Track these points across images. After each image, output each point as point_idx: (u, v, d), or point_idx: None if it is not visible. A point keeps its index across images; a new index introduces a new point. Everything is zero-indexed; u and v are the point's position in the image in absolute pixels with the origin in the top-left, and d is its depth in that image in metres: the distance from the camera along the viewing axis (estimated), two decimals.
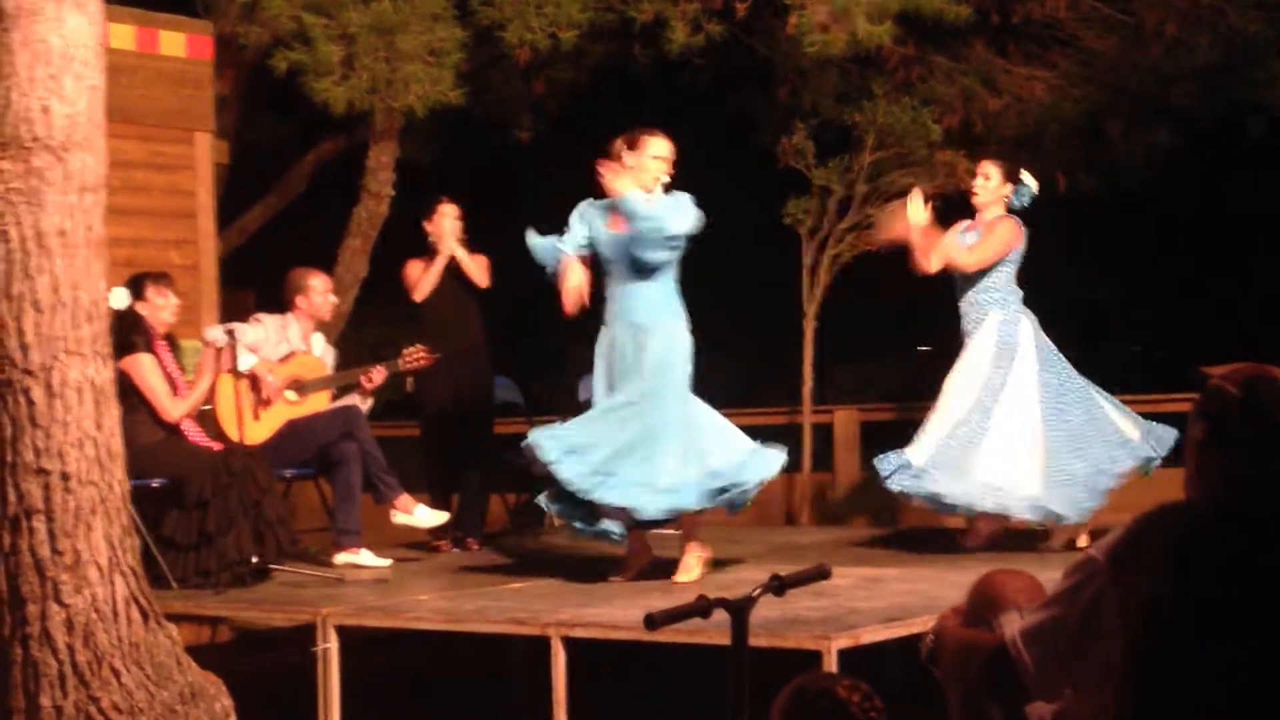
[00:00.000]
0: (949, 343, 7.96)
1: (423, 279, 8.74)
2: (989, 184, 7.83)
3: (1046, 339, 7.80)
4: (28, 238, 5.70)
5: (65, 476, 5.71)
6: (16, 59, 5.68)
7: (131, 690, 5.69)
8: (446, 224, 8.77)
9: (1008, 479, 7.50)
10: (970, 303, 7.81)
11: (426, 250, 8.80)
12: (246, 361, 7.85)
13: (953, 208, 10.13)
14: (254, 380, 7.96)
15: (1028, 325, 7.77)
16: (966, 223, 7.93)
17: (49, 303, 5.72)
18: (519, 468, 7.32)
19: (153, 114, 8.75)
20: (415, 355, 8.30)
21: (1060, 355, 7.79)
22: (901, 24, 10.17)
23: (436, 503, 8.49)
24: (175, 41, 8.94)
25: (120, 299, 7.40)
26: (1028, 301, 7.83)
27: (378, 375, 8.26)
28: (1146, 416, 7.88)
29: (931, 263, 7.75)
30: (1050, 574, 3.01)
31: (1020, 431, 7.58)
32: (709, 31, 10.30)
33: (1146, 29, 11.17)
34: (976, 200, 7.85)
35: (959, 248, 7.76)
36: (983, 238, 7.77)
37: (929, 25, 10.50)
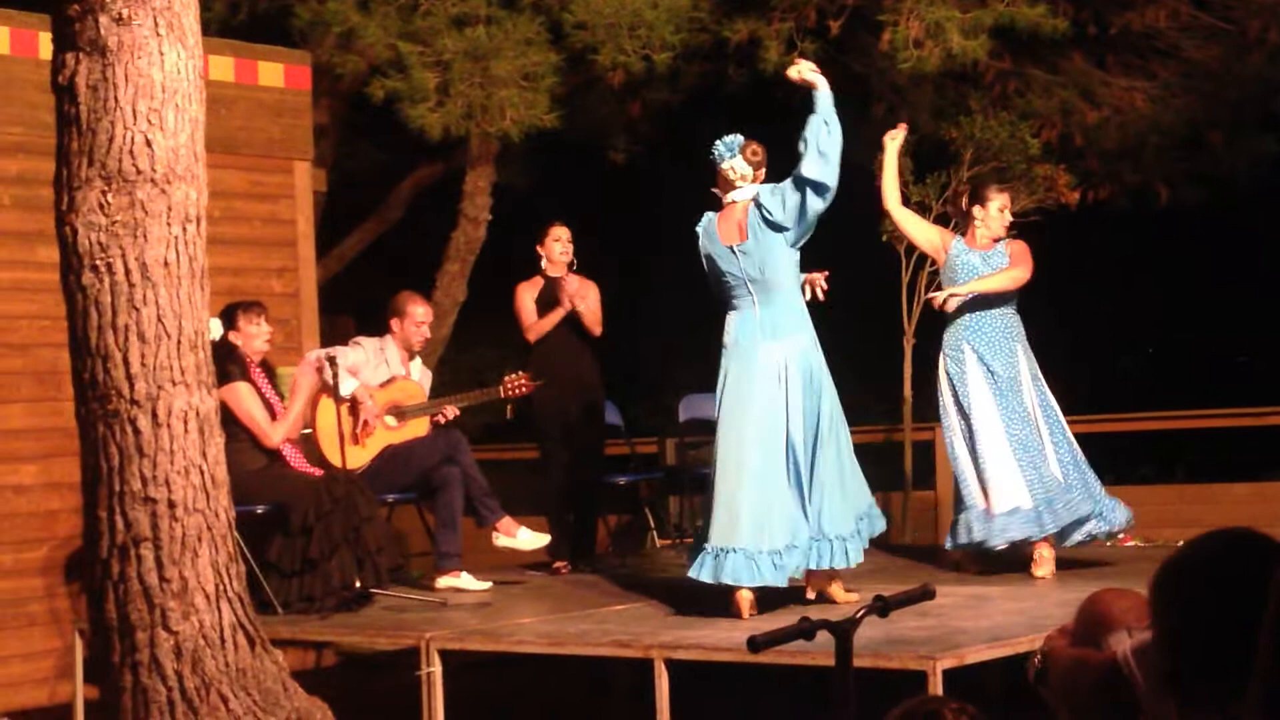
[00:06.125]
0: (1044, 358, 7.83)
1: (539, 324, 8.62)
2: (1005, 214, 7.78)
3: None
4: (132, 270, 5.78)
5: (172, 504, 5.78)
6: (119, 94, 5.76)
7: (239, 716, 5.74)
8: (556, 248, 8.74)
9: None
10: (1002, 322, 7.68)
11: (536, 272, 8.76)
12: (348, 386, 7.90)
13: (1054, 221, 10.03)
14: (354, 404, 8.01)
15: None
16: (959, 237, 7.81)
17: (153, 333, 5.80)
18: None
19: (252, 144, 8.83)
20: (516, 383, 8.30)
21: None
22: (997, 38, 10.11)
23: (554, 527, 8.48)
24: (273, 72, 9.02)
25: (214, 329, 7.45)
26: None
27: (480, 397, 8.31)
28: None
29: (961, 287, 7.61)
30: None
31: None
32: (803, 50, 10.27)
33: (1248, 37, 11.02)
34: (996, 231, 7.72)
35: (1009, 274, 7.61)
36: (1023, 256, 7.64)
37: (1025, 39, 10.41)
